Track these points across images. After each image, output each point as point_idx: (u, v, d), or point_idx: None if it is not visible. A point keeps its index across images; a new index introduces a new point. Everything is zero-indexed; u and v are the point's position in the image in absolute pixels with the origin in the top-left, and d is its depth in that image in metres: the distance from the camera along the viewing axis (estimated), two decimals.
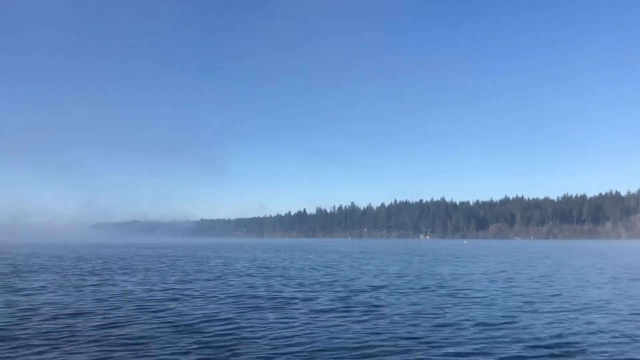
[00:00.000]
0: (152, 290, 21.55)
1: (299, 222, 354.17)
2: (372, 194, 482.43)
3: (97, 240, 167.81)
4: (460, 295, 20.41)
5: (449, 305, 17.61)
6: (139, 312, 15.85)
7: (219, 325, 13.90)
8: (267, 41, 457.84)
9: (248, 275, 29.61)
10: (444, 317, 15.35)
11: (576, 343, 11.98)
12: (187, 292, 20.84)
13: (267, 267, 36.82)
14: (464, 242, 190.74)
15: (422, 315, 15.49)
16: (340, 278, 27.44)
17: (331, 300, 18.79)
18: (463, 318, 15.11)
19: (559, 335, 12.75)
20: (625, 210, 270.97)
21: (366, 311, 16.15)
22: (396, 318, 15.04)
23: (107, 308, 16.62)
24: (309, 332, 13.07)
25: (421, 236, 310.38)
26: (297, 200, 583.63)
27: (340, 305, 17.54)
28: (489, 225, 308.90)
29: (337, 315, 15.42)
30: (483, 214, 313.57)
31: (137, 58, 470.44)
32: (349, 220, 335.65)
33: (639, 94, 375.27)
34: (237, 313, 15.82)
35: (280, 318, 14.99)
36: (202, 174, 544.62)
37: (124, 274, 30.48)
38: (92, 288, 22.46)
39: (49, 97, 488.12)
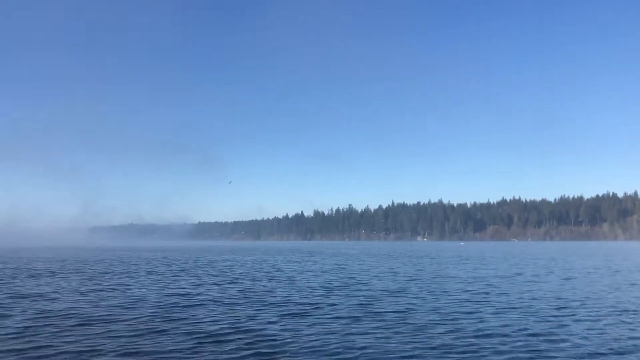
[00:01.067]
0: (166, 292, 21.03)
1: (296, 225, 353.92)
2: (369, 196, 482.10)
3: (100, 244, 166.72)
4: (486, 300, 19.85)
5: (480, 311, 17.00)
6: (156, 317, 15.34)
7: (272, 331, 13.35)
8: (266, 42, 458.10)
9: (268, 279, 28.98)
10: (482, 324, 14.73)
11: None
12: (214, 296, 20.28)
13: (278, 271, 36.22)
14: (462, 243, 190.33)
15: (457, 322, 14.92)
16: (357, 282, 26.86)
17: (359, 305, 18.20)
18: (502, 323, 14.59)
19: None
20: (622, 212, 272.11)
21: (397, 318, 15.53)
22: (432, 325, 14.48)
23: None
24: (342, 341, 12.53)
25: (419, 238, 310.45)
26: (294, 203, 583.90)
27: (370, 311, 16.99)
28: (487, 227, 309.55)
29: (373, 323, 14.84)
30: (480, 216, 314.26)
31: (135, 59, 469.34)
32: (347, 222, 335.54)
33: (637, 96, 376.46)
34: (278, 318, 15.29)
35: (313, 325, 14.44)
36: (200, 176, 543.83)
37: (174, 276, 29.89)
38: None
39: (46, 99, 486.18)
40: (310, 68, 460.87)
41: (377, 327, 14.06)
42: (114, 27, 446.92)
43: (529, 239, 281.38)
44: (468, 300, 19.60)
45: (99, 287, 24.39)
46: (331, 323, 14.71)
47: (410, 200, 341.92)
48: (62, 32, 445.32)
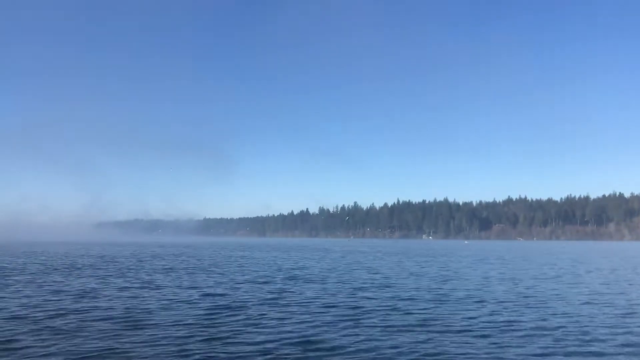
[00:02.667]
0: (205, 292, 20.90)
1: (301, 222, 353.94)
2: (375, 193, 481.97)
3: (109, 239, 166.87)
4: (548, 303, 19.55)
5: (546, 316, 16.55)
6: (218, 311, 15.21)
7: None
8: (274, 40, 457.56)
9: (305, 280, 28.74)
10: (563, 330, 13.88)
11: None
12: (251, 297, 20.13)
13: (305, 268, 36.05)
14: (466, 242, 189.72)
15: (542, 331, 14.33)
16: (397, 282, 26.57)
17: (425, 310, 17.26)
18: (589, 325, 14.36)
19: None
20: (629, 212, 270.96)
21: (467, 324, 14.88)
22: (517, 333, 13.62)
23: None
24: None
25: (424, 236, 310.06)
26: (300, 200, 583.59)
27: (438, 317, 16.82)
28: (492, 226, 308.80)
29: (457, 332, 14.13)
30: (486, 215, 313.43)
31: (144, 55, 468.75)
32: (352, 220, 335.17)
33: None
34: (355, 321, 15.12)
35: (373, 332, 14.29)
36: (207, 172, 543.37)
37: (208, 273, 29.79)
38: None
39: (54, 94, 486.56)
40: (317, 66, 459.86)
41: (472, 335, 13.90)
42: (123, 23, 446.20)
43: (534, 238, 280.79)
44: (525, 306, 19.40)
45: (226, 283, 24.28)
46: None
47: (416, 198, 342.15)
48: (70, 27, 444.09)
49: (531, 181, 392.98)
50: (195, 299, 18.57)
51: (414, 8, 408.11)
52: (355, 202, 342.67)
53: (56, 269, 33.17)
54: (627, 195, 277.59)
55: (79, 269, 33.72)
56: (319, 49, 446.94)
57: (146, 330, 12.82)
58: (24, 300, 17.95)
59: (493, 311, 16.40)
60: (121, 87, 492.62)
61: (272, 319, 14.68)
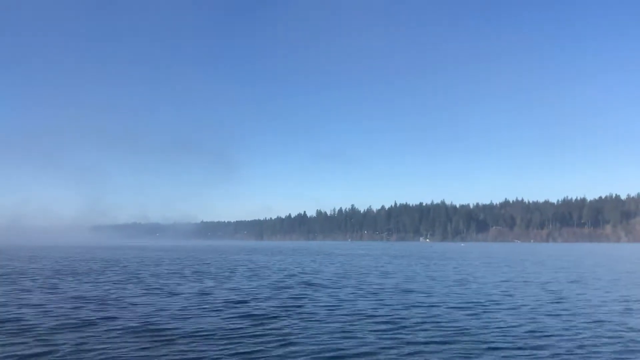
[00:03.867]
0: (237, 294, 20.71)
1: (299, 225, 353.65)
2: (372, 196, 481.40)
3: (109, 243, 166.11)
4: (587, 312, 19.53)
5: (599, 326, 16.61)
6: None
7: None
8: (273, 42, 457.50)
9: (335, 288, 28.53)
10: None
11: None
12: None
13: (316, 273, 35.85)
14: (462, 244, 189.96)
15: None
16: (418, 287, 26.41)
17: (468, 317, 16.80)
18: None
19: None
20: (625, 214, 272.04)
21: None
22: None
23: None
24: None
25: (421, 239, 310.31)
26: (298, 203, 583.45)
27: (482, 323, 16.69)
28: (489, 228, 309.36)
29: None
30: (483, 217, 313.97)
31: (144, 57, 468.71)
32: (349, 222, 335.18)
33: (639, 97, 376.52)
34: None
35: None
36: (206, 175, 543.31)
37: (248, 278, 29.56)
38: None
39: (53, 97, 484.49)
40: (316, 68, 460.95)
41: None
42: (123, 24, 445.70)
43: (532, 241, 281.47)
44: (570, 316, 19.33)
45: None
46: None
47: (413, 201, 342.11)
48: (69, 28, 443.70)
49: (528, 183, 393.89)
50: (219, 307, 18.38)
51: (417, 8, 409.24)
52: (352, 205, 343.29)
53: (77, 274, 32.77)
54: (623, 197, 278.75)
55: (99, 273, 33.39)
56: (319, 51, 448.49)
57: (211, 344, 12.66)
58: (50, 308, 17.72)
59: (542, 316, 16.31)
60: (121, 90, 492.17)
61: (313, 329, 14.54)
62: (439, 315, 16.45)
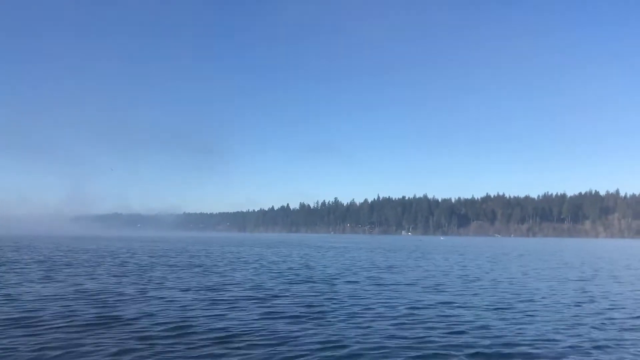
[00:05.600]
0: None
1: (282, 217, 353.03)
2: (355, 189, 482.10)
3: (91, 234, 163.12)
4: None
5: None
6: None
7: None
8: (259, 34, 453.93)
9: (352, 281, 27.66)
10: None
11: None
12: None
13: (317, 267, 35.02)
14: (442, 238, 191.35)
15: None
16: (432, 284, 25.78)
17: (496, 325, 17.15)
18: None
19: None
20: (604, 210, 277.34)
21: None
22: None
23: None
24: None
25: (403, 232, 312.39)
26: (280, 195, 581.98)
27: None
28: (470, 223, 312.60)
29: None
30: (464, 211, 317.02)
31: (129, 45, 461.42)
32: (332, 215, 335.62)
33: (620, 95, 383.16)
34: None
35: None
36: (189, 166, 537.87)
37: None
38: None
39: (35, 84, 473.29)
40: (302, 61, 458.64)
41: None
42: (106, 13, 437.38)
43: (512, 235, 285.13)
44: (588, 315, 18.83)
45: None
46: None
47: (396, 194, 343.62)
48: (55, 21, 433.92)
49: (509, 178, 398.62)
50: (237, 302, 17.47)
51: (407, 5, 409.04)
52: (336, 198, 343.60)
53: (83, 265, 31.44)
54: (602, 193, 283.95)
55: (94, 265, 32.10)
56: (305, 45, 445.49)
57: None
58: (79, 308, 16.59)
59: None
60: (106, 80, 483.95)
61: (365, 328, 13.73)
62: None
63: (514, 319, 14.77)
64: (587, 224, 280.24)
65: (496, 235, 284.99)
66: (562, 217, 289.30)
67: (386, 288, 21.73)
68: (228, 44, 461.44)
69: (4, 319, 13.51)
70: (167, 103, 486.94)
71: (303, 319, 14.13)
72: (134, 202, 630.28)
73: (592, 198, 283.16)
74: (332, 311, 15.42)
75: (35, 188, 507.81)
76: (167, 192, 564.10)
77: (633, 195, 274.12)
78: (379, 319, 14.40)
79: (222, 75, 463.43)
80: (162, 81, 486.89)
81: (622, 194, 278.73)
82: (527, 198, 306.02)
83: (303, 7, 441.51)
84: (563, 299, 19.17)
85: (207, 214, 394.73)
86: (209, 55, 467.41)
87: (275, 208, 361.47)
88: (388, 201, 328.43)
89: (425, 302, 17.65)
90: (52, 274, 26.00)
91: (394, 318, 14.52)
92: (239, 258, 42.68)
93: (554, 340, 12.06)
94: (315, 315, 14.70)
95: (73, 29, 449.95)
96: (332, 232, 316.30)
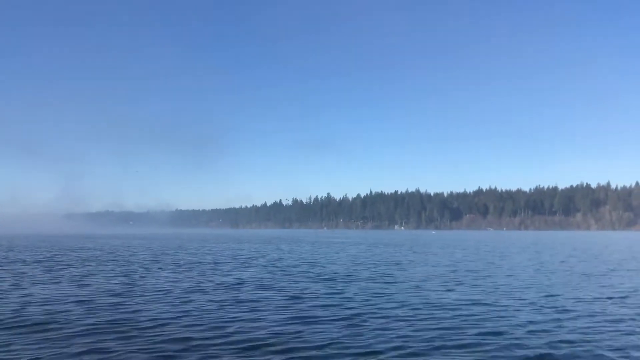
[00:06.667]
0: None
1: (274, 213, 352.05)
2: (348, 184, 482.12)
3: (86, 232, 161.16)
4: None
5: None
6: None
7: None
8: (252, 30, 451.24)
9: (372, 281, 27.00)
10: None
11: None
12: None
13: (327, 264, 34.38)
14: (433, 232, 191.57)
15: None
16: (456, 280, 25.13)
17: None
18: None
19: None
20: (595, 202, 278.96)
21: None
22: None
23: None
24: None
25: (396, 227, 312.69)
26: (273, 191, 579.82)
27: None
28: (463, 216, 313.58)
29: None
30: (457, 205, 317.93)
31: (121, 41, 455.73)
32: (325, 211, 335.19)
33: (610, 89, 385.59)
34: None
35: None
36: (182, 164, 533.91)
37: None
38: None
39: (24, 82, 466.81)
40: (295, 56, 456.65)
41: None
42: (99, 8, 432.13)
43: (504, 228, 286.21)
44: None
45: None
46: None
47: (388, 189, 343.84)
48: (47, 10, 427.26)
49: (501, 172, 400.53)
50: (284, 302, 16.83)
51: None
52: (328, 193, 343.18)
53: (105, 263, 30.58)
54: (593, 185, 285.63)
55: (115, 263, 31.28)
56: (298, 41, 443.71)
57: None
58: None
59: None
60: (94, 74, 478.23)
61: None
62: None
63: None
64: (579, 217, 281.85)
65: (488, 228, 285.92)
66: (553, 209, 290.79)
67: (408, 285, 21.16)
68: (219, 40, 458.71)
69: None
70: (158, 99, 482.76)
71: (345, 321, 13.44)
72: (126, 199, 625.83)
73: (583, 191, 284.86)
74: (369, 314, 14.67)
75: (26, 186, 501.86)
76: (159, 189, 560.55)
77: (624, 187, 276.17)
78: (430, 319, 13.76)
79: (213, 71, 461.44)
80: (153, 77, 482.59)
81: (612, 186, 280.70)
82: (519, 191, 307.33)
83: (293, 3, 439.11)
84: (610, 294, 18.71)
85: (199, 210, 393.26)
86: (200, 50, 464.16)
87: (268, 204, 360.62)
88: (380, 196, 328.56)
89: (463, 300, 17.09)
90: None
91: (442, 320, 13.89)
92: (241, 255, 41.97)
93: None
94: (354, 318, 14.00)
95: (63, 22, 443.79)
96: (324, 228, 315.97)
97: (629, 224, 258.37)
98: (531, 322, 13.09)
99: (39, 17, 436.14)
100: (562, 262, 34.97)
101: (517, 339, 11.31)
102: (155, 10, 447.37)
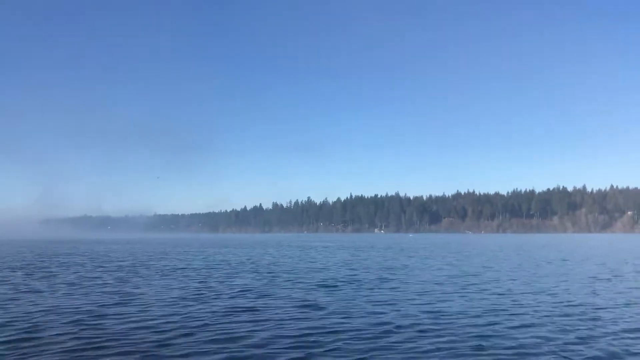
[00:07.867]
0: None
1: (254, 217, 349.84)
2: (328, 188, 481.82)
3: (65, 237, 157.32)
4: None
5: None
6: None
7: None
8: (236, 29, 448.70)
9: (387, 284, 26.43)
10: None
11: None
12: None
13: (323, 270, 33.82)
14: (410, 235, 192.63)
15: None
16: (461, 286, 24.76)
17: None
18: None
19: None
20: (572, 205, 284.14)
21: None
22: None
23: None
24: None
25: (376, 230, 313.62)
26: (253, 195, 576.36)
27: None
28: (442, 220, 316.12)
29: None
30: (436, 209, 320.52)
31: (101, 39, 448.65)
32: (305, 214, 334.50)
33: (588, 92, 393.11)
34: None
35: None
36: (161, 168, 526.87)
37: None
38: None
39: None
40: (281, 58, 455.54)
41: None
42: (82, 10, 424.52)
43: (482, 232, 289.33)
44: None
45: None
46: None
47: (368, 193, 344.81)
48: (29, 12, 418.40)
49: (479, 175, 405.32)
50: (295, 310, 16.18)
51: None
52: (309, 197, 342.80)
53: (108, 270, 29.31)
54: (570, 189, 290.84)
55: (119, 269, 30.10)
56: (279, 45, 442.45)
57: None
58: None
59: None
60: (73, 77, 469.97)
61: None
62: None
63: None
64: (555, 220, 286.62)
65: (467, 232, 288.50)
66: (531, 212, 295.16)
67: (414, 290, 20.72)
68: (203, 44, 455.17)
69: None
70: (136, 103, 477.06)
71: (383, 335, 12.85)
72: (104, 204, 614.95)
73: (559, 194, 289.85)
74: (404, 326, 14.15)
75: (1, 191, 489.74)
76: (138, 194, 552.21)
77: (599, 191, 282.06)
78: (457, 328, 13.29)
79: (192, 75, 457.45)
80: (132, 81, 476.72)
81: (588, 189, 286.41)
82: (496, 195, 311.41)
83: (279, 8, 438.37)
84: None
85: (178, 214, 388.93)
86: (183, 53, 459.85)
87: (248, 208, 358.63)
88: (360, 200, 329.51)
89: (488, 306, 16.69)
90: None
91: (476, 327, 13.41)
92: (230, 260, 41.08)
93: None
94: (393, 331, 13.42)
95: (45, 24, 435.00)
96: (305, 232, 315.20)
97: (604, 227, 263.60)
98: None
99: (17, 17, 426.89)
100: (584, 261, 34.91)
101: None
102: (140, 13, 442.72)
